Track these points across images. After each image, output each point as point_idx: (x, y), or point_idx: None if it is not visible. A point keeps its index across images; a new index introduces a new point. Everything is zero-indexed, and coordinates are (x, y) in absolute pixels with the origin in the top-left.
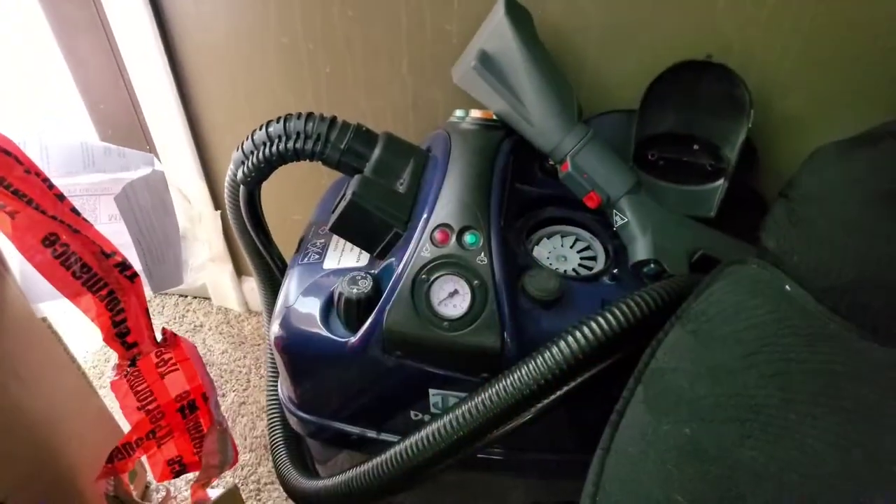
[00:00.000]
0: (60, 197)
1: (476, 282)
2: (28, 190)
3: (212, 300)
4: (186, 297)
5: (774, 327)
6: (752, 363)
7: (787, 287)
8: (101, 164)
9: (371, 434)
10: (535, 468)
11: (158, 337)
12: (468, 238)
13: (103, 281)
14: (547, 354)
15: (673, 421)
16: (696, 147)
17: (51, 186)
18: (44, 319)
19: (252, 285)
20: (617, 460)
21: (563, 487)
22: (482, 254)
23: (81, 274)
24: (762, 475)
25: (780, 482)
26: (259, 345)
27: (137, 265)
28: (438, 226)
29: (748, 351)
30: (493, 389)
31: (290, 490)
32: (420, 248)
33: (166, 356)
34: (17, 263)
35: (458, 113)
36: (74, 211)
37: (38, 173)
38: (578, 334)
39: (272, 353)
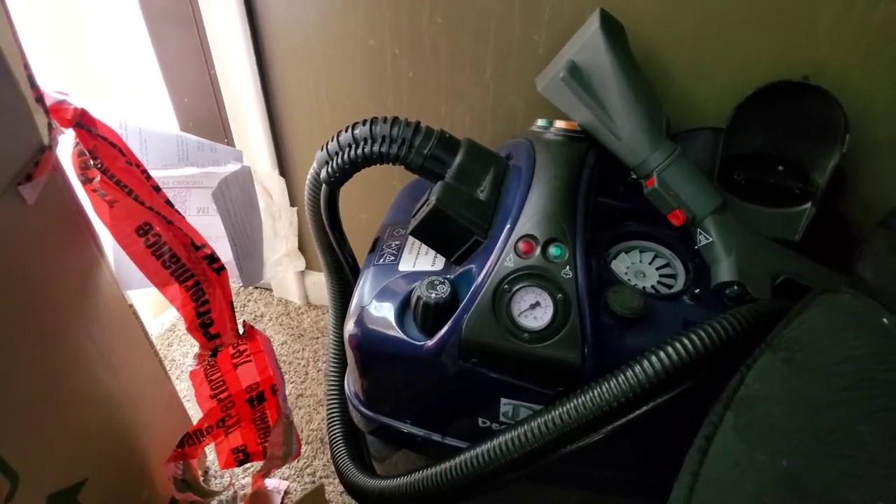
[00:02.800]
0: (157, 188)
1: (559, 295)
2: (128, 181)
3: (273, 292)
4: (248, 287)
5: (873, 361)
6: (851, 398)
7: (885, 320)
8: (195, 157)
9: (436, 437)
10: (591, 482)
11: (240, 330)
12: (553, 250)
13: (191, 272)
14: (629, 373)
15: (768, 452)
16: (780, 168)
17: (148, 178)
18: (130, 306)
19: (313, 279)
20: (707, 487)
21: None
22: (567, 267)
23: (171, 264)
24: None
25: None
26: (318, 338)
27: (224, 258)
28: (523, 236)
29: (846, 384)
30: (573, 404)
31: (350, 486)
32: (503, 258)
33: (241, 348)
34: (111, 251)
35: (541, 122)
36: (168, 203)
37: (139, 165)
38: (663, 355)
39: (336, 349)
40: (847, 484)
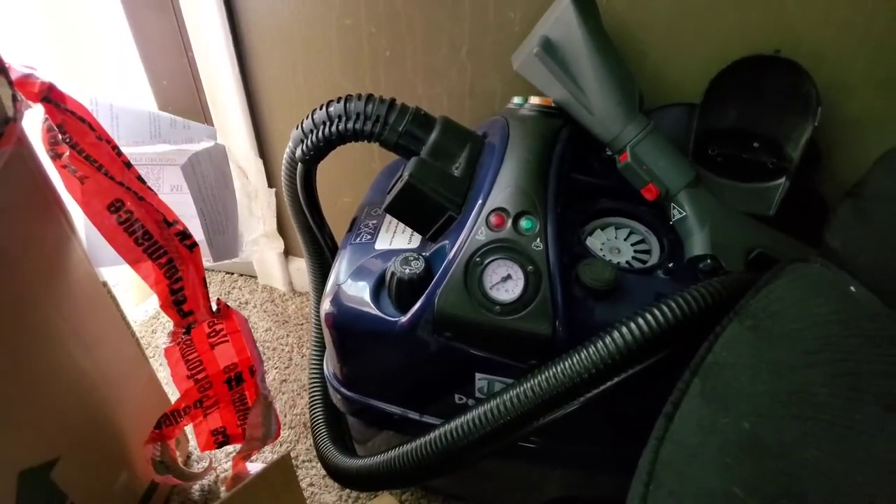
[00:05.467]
0: (128, 164)
1: (530, 267)
2: (98, 156)
3: (258, 279)
4: (233, 274)
5: (838, 327)
6: (815, 361)
7: (853, 288)
8: (167, 134)
9: (413, 415)
10: (571, 460)
11: (213, 307)
12: (524, 223)
13: (163, 249)
14: (600, 344)
15: (732, 415)
16: (756, 145)
17: (119, 154)
18: (104, 284)
19: (297, 266)
20: (672, 450)
21: (599, 482)
22: (538, 240)
23: (143, 241)
24: (826, 474)
25: (844, 482)
26: (302, 324)
27: (198, 236)
28: (494, 210)
29: (811, 349)
30: (543, 376)
31: (329, 467)
32: (475, 232)
33: (218, 327)
34: (83, 228)
35: (517, 100)
36: (140, 179)
37: (109, 140)
38: (633, 325)
39: (318, 333)
40: (806, 444)
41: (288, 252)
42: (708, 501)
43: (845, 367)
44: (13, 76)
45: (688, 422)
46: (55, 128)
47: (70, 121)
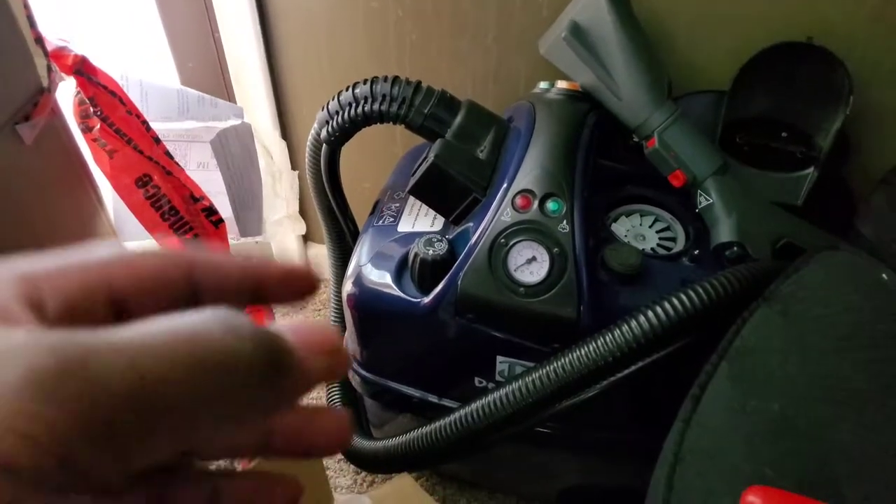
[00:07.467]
0: (157, 140)
1: (556, 249)
2: (128, 130)
3: None
4: (245, 238)
5: (870, 314)
6: (846, 347)
7: (884, 275)
8: (195, 111)
9: (432, 398)
10: (589, 445)
11: None
12: (551, 205)
13: (189, 224)
14: (625, 328)
15: (761, 397)
16: (784, 134)
17: (148, 129)
18: None
19: (315, 252)
20: (699, 433)
21: (617, 469)
22: (564, 222)
23: (169, 216)
24: (858, 457)
25: (876, 465)
26: (320, 310)
27: (225, 212)
28: (521, 191)
29: (842, 335)
30: (566, 359)
31: (347, 451)
32: (500, 213)
33: None
34: (111, 201)
35: (543, 84)
36: (168, 154)
37: (139, 115)
38: (659, 310)
39: (336, 317)
40: (838, 427)
41: (306, 238)
42: (738, 481)
43: (877, 354)
44: (48, 48)
45: (715, 404)
46: (87, 101)
47: (101, 94)
